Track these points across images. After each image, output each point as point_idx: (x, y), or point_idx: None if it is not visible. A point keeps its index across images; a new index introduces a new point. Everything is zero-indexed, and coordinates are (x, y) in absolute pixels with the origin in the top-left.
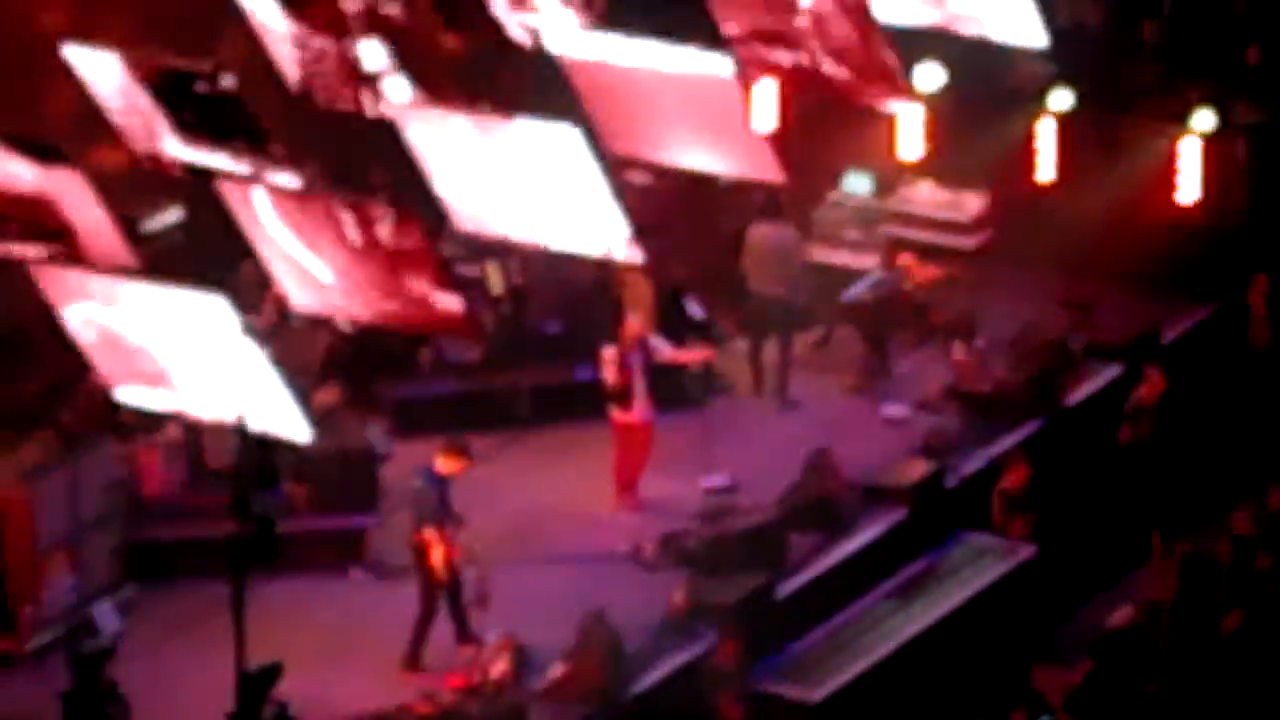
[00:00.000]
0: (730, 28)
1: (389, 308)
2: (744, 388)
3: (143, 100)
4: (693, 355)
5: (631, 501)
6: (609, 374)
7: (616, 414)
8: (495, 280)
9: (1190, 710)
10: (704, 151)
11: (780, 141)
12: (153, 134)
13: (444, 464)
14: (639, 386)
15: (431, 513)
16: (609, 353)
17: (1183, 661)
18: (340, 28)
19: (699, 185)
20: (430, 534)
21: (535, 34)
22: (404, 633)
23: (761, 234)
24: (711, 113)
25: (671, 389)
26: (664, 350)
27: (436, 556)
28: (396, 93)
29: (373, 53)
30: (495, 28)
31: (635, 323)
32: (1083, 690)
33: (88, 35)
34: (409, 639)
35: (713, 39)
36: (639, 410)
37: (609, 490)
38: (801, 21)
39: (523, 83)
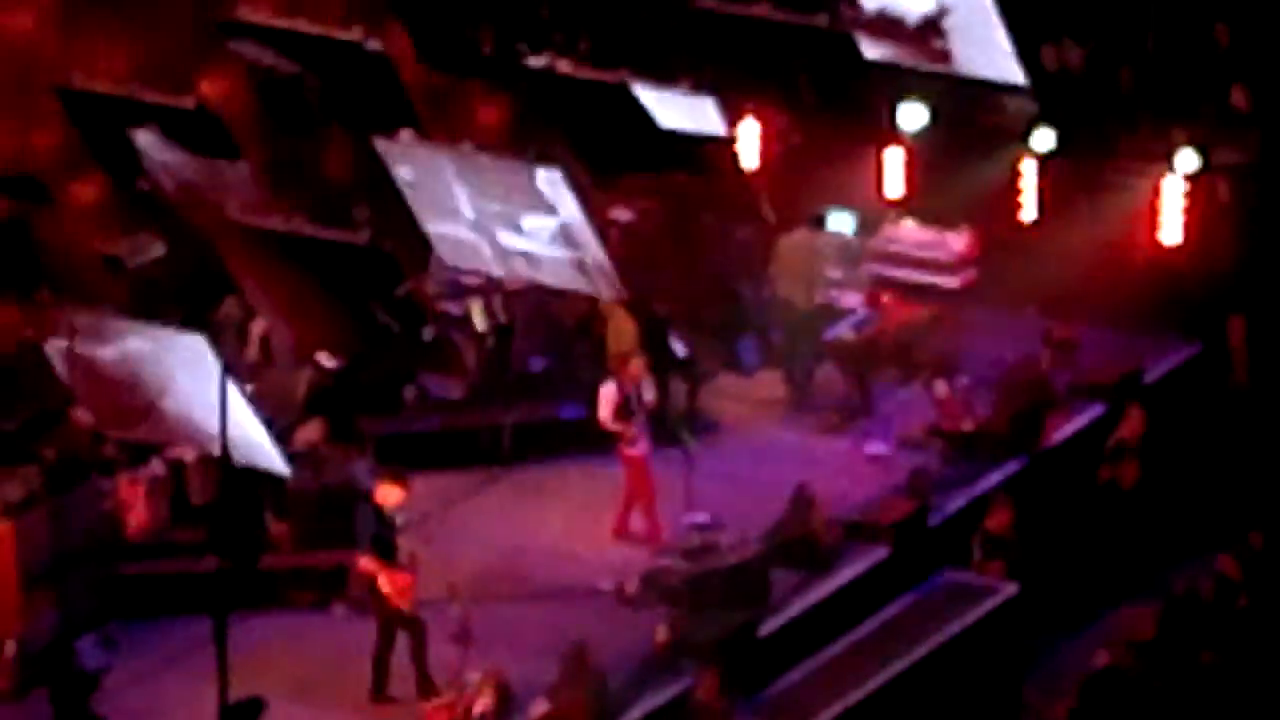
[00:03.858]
0: (714, 67)
1: (370, 344)
2: (729, 424)
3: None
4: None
5: (624, 534)
6: (607, 413)
7: (627, 451)
8: (479, 317)
9: None
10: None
11: (764, 180)
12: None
13: (382, 494)
14: (641, 423)
15: (364, 540)
16: (608, 391)
17: (1165, 701)
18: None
19: (683, 222)
20: (367, 562)
21: (521, 71)
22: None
23: (794, 240)
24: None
25: (655, 427)
26: (649, 394)
27: (384, 585)
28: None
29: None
30: (480, 64)
31: (637, 364)
32: None
33: (74, 71)
34: (412, 670)
35: (696, 78)
36: (639, 446)
37: (592, 527)
38: (788, 62)
39: (505, 119)
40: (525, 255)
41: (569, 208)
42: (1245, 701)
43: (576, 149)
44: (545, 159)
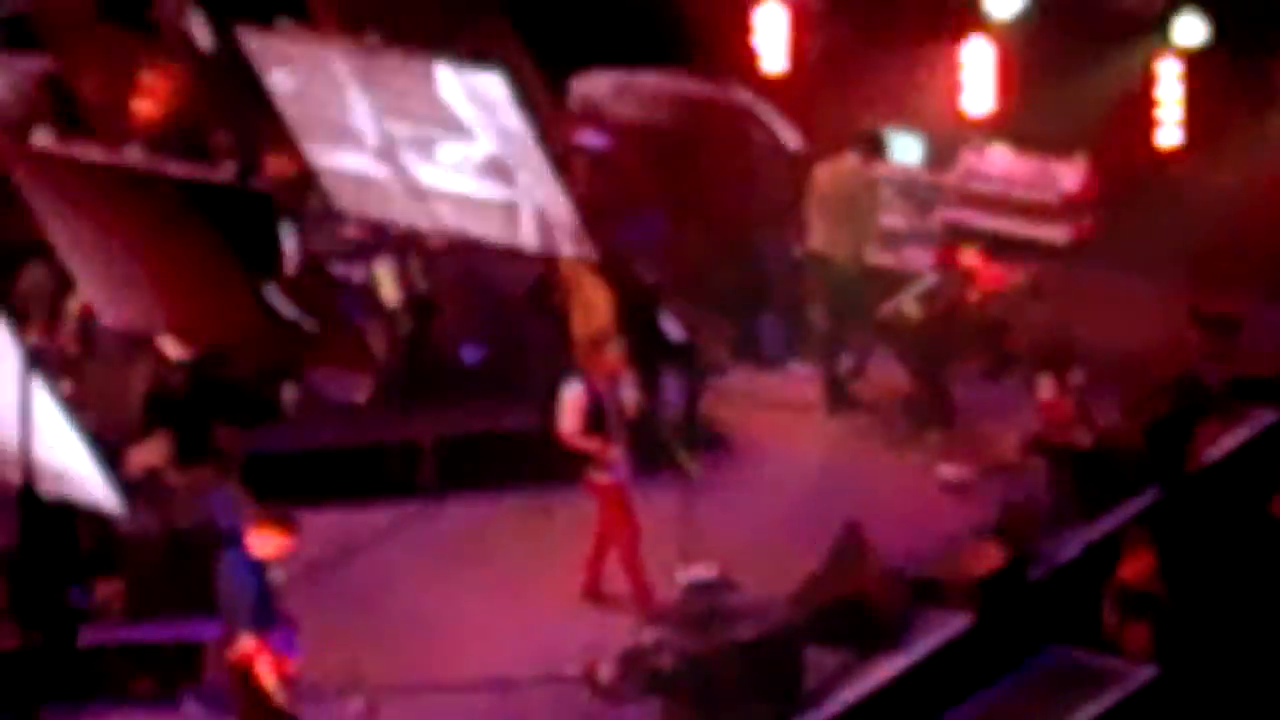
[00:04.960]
0: None
1: (239, 325)
2: (744, 438)
3: None
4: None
5: (596, 595)
6: (571, 423)
7: (598, 477)
8: (389, 287)
9: None
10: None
11: (795, 89)
12: None
13: (259, 543)
14: (619, 438)
15: (249, 614)
16: (573, 393)
17: None
18: None
19: (682, 149)
20: (250, 643)
21: None
22: None
23: (838, 174)
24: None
25: (639, 442)
26: (629, 395)
27: (265, 674)
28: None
29: None
30: None
31: (614, 354)
32: None
33: None
34: None
35: None
36: (615, 471)
37: (550, 586)
38: None
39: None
40: (452, 197)
41: (514, 128)
42: None
43: (529, 42)
44: (482, 57)
